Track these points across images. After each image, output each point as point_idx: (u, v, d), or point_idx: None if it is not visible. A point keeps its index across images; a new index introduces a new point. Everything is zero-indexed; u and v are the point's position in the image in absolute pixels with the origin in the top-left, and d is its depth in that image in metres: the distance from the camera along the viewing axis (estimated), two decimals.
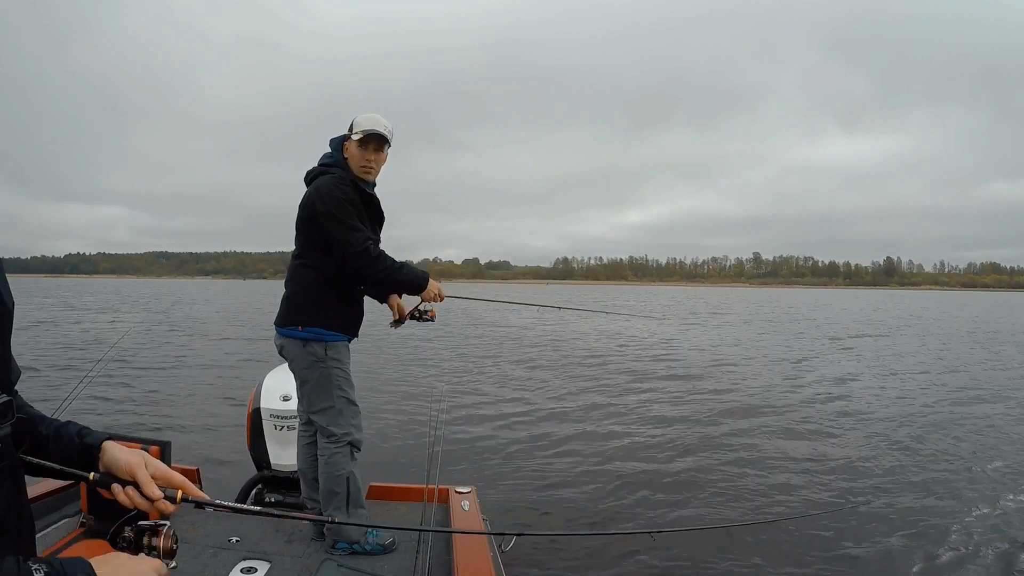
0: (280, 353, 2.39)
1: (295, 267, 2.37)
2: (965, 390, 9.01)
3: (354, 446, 2.31)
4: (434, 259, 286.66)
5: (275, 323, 2.38)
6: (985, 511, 4.16)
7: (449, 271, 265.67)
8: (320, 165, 2.41)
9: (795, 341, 16.90)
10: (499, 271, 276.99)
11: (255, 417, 2.80)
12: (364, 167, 2.35)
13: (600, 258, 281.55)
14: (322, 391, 2.29)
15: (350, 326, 2.39)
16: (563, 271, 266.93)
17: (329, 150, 2.42)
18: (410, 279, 2.39)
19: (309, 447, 2.40)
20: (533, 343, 16.06)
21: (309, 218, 2.29)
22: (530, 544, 3.53)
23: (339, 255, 2.25)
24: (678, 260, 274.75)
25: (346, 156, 2.36)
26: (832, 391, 8.76)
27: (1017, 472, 5.06)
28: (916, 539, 3.71)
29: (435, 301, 2.51)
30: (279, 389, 2.86)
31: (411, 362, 11.60)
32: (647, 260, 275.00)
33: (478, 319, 22.20)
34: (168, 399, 7.08)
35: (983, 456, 5.53)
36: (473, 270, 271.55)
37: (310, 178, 2.38)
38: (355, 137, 2.32)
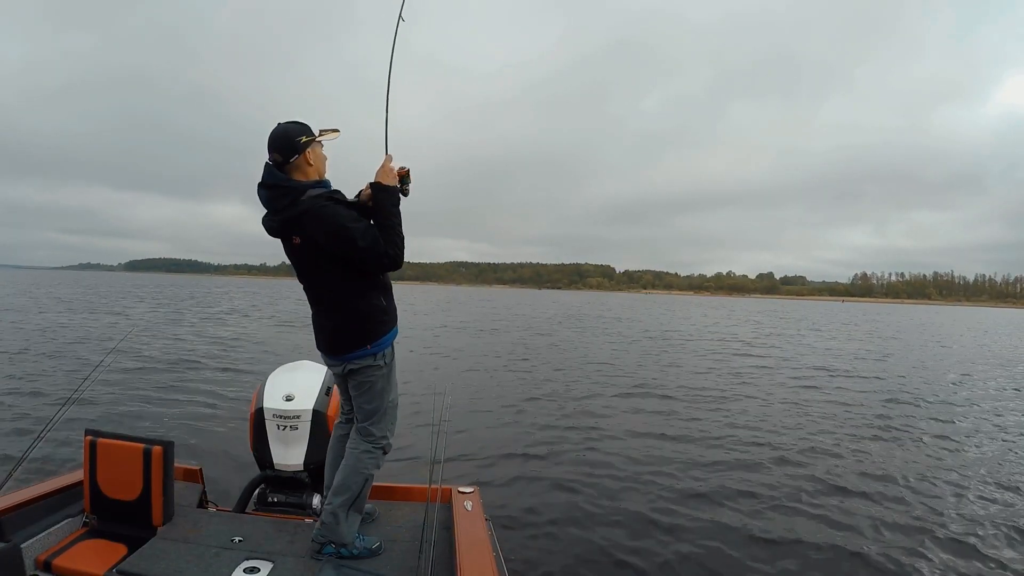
0: (345, 376, 2.27)
1: (346, 295, 2.20)
2: None
3: (385, 451, 2.32)
4: (727, 272, 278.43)
5: (333, 351, 2.25)
6: None
7: (743, 285, 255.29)
8: (284, 195, 2.14)
9: None
10: (794, 287, 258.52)
11: (258, 417, 2.79)
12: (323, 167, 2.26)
13: (902, 274, 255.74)
14: (376, 396, 2.27)
15: (396, 313, 2.37)
16: (861, 287, 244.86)
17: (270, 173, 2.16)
18: (396, 206, 2.22)
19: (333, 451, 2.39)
20: (544, 341, 16.05)
21: (339, 253, 2.12)
22: (533, 544, 3.53)
23: (374, 269, 2.20)
24: (987, 277, 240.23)
25: (310, 163, 2.18)
26: None
27: None
28: None
29: (397, 181, 2.26)
30: (282, 389, 2.85)
31: (415, 358, 11.63)
32: (953, 276, 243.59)
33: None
34: (172, 398, 7.08)
35: None
36: (767, 284, 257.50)
37: (297, 211, 2.12)
38: (329, 139, 2.25)
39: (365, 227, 2.14)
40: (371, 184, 2.23)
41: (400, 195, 2.24)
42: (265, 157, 2.18)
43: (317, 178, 2.22)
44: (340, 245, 2.09)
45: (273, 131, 2.17)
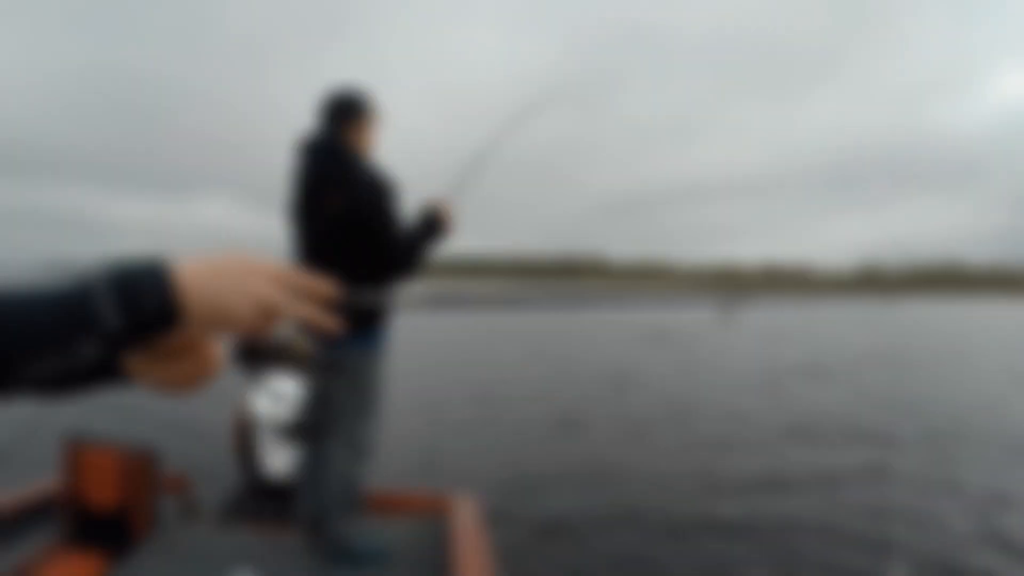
0: (328, 370, 2.13)
1: (349, 279, 2.13)
2: None
3: (370, 457, 2.25)
4: (728, 261, 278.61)
5: (320, 339, 2.15)
6: None
7: (742, 281, 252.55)
8: (336, 152, 2.10)
9: None
10: (796, 278, 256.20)
11: (244, 424, 2.74)
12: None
13: (910, 264, 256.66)
14: (361, 398, 2.18)
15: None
16: (867, 278, 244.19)
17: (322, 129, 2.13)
18: (433, 244, 2.15)
19: (312, 455, 2.29)
20: (542, 342, 16.05)
21: (358, 221, 2.06)
22: (532, 553, 3.48)
23: (381, 262, 2.11)
24: (999, 265, 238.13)
25: (360, 134, 2.15)
26: None
27: None
28: None
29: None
30: (268, 396, 2.80)
31: (413, 359, 11.58)
32: (963, 264, 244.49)
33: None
34: (156, 403, 6.98)
35: None
36: (768, 278, 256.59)
37: (341, 169, 2.07)
38: (382, 127, 2.23)
39: (399, 221, 2.13)
40: (440, 210, 2.16)
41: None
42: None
43: (364, 152, 2.19)
44: (374, 216, 2.03)
45: (335, 91, 2.14)
